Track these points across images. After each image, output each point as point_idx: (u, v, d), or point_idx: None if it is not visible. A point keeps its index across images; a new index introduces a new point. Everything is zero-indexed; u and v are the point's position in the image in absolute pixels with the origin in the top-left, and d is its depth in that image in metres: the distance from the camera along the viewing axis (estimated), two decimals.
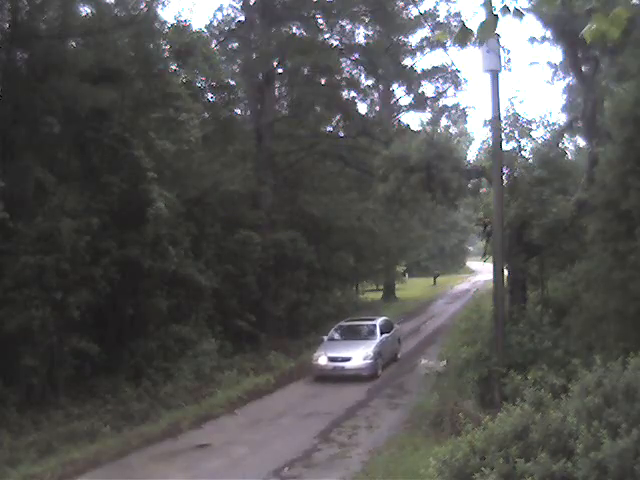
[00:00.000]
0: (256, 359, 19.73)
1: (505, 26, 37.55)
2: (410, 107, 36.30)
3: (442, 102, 36.55)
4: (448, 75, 33.98)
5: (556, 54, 42.90)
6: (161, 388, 15.27)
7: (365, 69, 27.94)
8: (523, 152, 15.00)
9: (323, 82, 26.95)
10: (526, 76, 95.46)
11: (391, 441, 11.78)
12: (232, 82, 22.34)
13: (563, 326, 12.87)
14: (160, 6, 16.79)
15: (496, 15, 3.83)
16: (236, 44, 26.03)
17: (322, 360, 17.96)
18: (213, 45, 22.67)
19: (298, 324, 24.35)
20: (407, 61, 33.68)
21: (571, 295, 14.01)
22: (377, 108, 34.13)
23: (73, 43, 16.11)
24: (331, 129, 30.04)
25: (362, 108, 30.52)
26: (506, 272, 14.02)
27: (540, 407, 6.74)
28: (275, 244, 22.84)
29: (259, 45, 24.41)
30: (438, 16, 31.62)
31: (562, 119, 18.41)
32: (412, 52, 34.04)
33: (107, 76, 15.29)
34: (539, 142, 15.20)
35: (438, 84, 35.19)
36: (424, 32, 33.52)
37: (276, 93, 27.27)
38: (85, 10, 16.19)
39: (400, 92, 36.54)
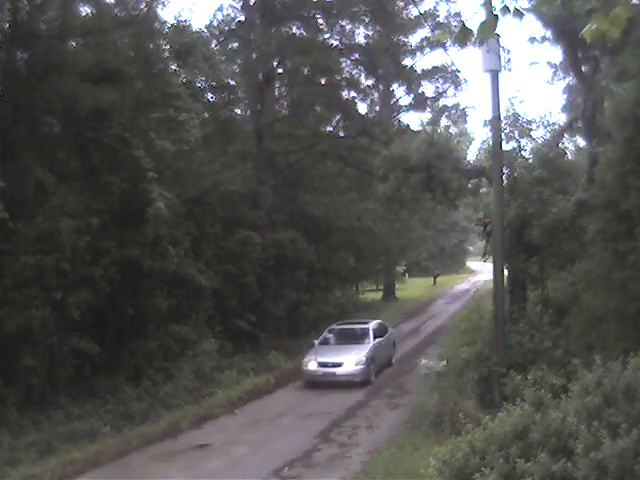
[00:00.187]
0: (256, 359, 19.73)
1: (505, 26, 37.56)
2: (410, 107, 36.30)
3: (442, 102, 36.59)
4: (448, 75, 33.98)
5: (556, 54, 42.91)
6: (161, 388, 15.27)
7: (365, 69, 27.94)
8: (523, 152, 15.01)
9: (323, 82, 26.95)
10: (526, 76, 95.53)
11: (391, 441, 11.78)
12: (232, 82, 22.35)
13: (563, 326, 12.87)
14: (160, 6, 16.83)
15: (496, 15, 3.83)
16: (236, 44, 26.04)
17: (312, 365, 17.16)
18: (213, 45, 22.67)
19: (298, 324, 24.35)
20: (407, 61, 33.74)
21: (571, 295, 14.01)
22: (377, 108, 34.14)
23: (73, 43, 16.11)
24: (331, 129, 30.04)
25: (362, 108, 30.59)
26: (506, 272, 14.02)
27: (540, 407, 6.74)
28: (275, 244, 22.84)
29: (259, 45, 24.42)
30: (438, 16, 31.66)
31: (562, 119, 18.42)
32: (412, 52, 34.05)
33: (107, 76, 15.29)
34: (539, 142, 15.21)
35: (438, 84, 35.23)
36: (424, 32, 33.58)
37: (276, 93, 27.28)
38: (85, 10, 16.23)
39: (400, 92, 36.60)
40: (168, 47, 17.33)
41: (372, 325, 19.31)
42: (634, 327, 10.31)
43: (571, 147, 21.01)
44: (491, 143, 13.64)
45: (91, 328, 14.66)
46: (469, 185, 15.43)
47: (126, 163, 15.67)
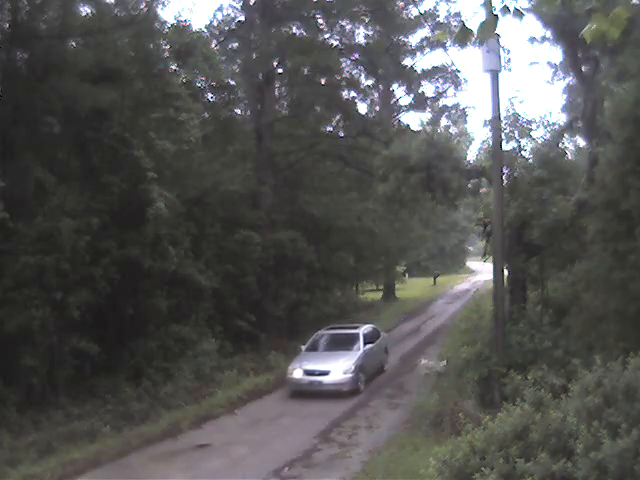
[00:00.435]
0: (256, 359, 19.73)
1: (505, 26, 37.58)
2: (410, 107, 36.30)
3: (442, 102, 36.59)
4: (448, 75, 33.98)
5: (556, 54, 42.95)
6: (161, 388, 15.27)
7: (365, 69, 27.94)
8: (523, 152, 15.02)
9: (323, 82, 26.94)
10: (526, 76, 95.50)
11: (391, 441, 11.78)
12: (232, 82, 22.35)
13: (563, 326, 12.87)
14: (160, 6, 16.83)
15: (496, 15, 3.84)
16: (236, 44, 26.03)
17: (297, 374, 16.13)
18: (213, 45, 22.67)
19: (298, 324, 24.34)
20: (407, 61, 33.73)
21: (571, 295, 14.01)
22: (377, 108, 34.13)
23: (73, 43, 16.11)
24: (331, 129, 30.03)
25: (362, 108, 30.58)
26: (506, 272, 14.02)
27: (540, 407, 6.74)
28: (275, 244, 22.84)
29: (259, 45, 24.41)
30: (438, 16, 31.65)
31: (562, 119, 18.45)
32: (412, 52, 34.05)
33: (107, 76, 15.29)
34: (539, 142, 15.22)
35: (438, 84, 35.23)
36: (424, 32, 33.58)
37: (276, 93, 27.27)
38: (85, 10, 16.22)
39: (400, 92, 36.59)
40: (168, 47, 17.33)
41: (362, 330, 18.26)
42: (634, 327, 10.31)
43: (571, 147, 21.05)
44: (491, 143, 13.64)
45: (91, 328, 14.66)
46: (469, 185, 15.44)
47: (126, 163, 15.67)
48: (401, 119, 36.13)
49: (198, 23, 49.34)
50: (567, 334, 12.51)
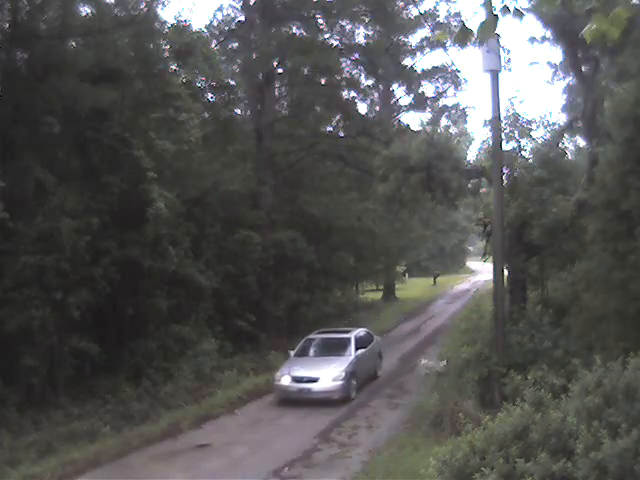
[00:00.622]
0: (256, 359, 19.73)
1: (505, 26, 37.57)
2: (410, 107, 36.28)
3: (442, 102, 36.55)
4: (448, 75, 33.97)
5: (556, 54, 42.94)
6: (161, 388, 15.27)
7: (365, 69, 27.94)
8: (523, 152, 15.02)
9: (323, 82, 26.95)
10: (526, 76, 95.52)
11: (391, 441, 11.78)
12: (232, 82, 22.36)
13: (563, 326, 12.87)
14: (160, 6, 16.83)
15: (496, 15, 3.84)
16: (236, 44, 26.03)
17: (285, 380, 15.33)
18: (213, 45, 22.68)
19: (298, 324, 24.33)
20: (407, 61, 33.71)
21: (571, 295, 14.02)
22: (377, 108, 34.13)
23: (73, 43, 16.11)
24: (331, 129, 30.04)
25: (362, 108, 30.58)
26: (506, 272, 14.02)
27: (540, 407, 6.74)
28: (275, 244, 22.85)
29: (259, 45, 24.42)
30: (438, 16, 31.62)
31: (562, 119, 18.44)
32: (412, 52, 34.03)
33: (107, 76, 15.29)
34: (539, 142, 15.22)
35: (438, 84, 35.20)
36: (424, 32, 33.55)
37: (276, 93, 27.28)
38: (85, 10, 16.22)
39: (400, 92, 36.58)
40: (168, 47, 17.34)
41: (354, 335, 17.35)
42: (634, 327, 10.31)
43: (571, 147, 21.05)
44: (491, 143, 13.64)
45: (91, 328, 14.67)
46: (469, 185, 15.43)
47: (126, 163, 15.67)
48: (401, 119, 36.18)
49: (198, 23, 49.41)
50: (567, 334, 12.52)
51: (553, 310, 13.47)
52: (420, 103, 34.93)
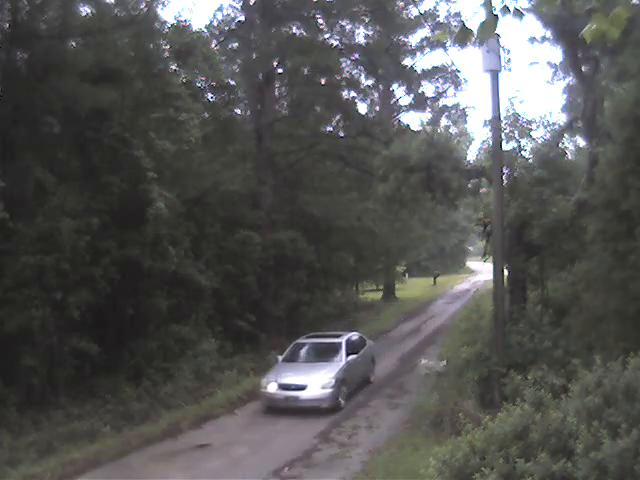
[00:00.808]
0: (256, 359, 19.71)
1: (505, 26, 37.57)
2: (410, 107, 36.29)
3: (442, 102, 36.55)
4: (448, 75, 33.97)
5: (556, 54, 42.95)
6: (161, 388, 15.27)
7: (365, 69, 27.93)
8: (523, 152, 15.02)
9: (323, 82, 26.95)
10: (526, 76, 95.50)
11: (391, 441, 11.79)
12: (232, 82, 22.35)
13: (563, 326, 12.87)
14: (160, 6, 16.83)
15: (496, 15, 3.84)
16: (236, 44, 26.04)
17: (272, 387, 14.63)
18: (213, 45, 22.67)
19: (298, 324, 24.33)
20: (407, 61, 33.71)
21: (571, 295, 14.02)
22: (377, 108, 34.13)
23: (73, 43, 16.11)
24: (331, 129, 30.03)
25: (362, 108, 30.58)
26: (506, 272, 14.02)
27: (540, 407, 6.74)
28: (275, 244, 22.85)
29: (259, 45, 24.42)
30: (438, 16, 31.63)
31: (562, 119, 18.46)
32: (412, 52, 34.03)
33: (107, 76, 15.29)
34: (539, 142, 15.22)
35: (438, 84, 35.20)
36: (424, 32, 33.56)
37: (276, 93, 27.28)
38: (85, 10, 16.22)
39: (400, 92, 36.58)
40: (168, 47, 17.33)
41: (345, 339, 16.59)
42: (634, 327, 10.31)
43: (571, 147, 21.05)
44: (491, 143, 13.64)
45: (91, 328, 14.66)
46: (469, 185, 15.43)
47: (126, 163, 15.67)
48: (401, 119, 36.17)
49: (198, 23, 49.38)
50: (567, 334, 12.52)
51: (553, 310, 13.47)
52: (420, 103, 34.92)
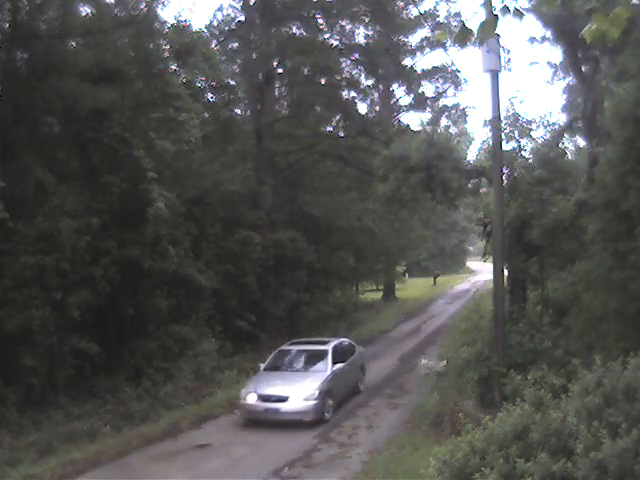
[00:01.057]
0: (256, 359, 19.65)
1: (505, 26, 37.58)
2: (410, 107, 36.28)
3: (442, 102, 36.53)
4: (448, 75, 33.96)
5: (556, 54, 42.98)
6: (161, 388, 15.28)
7: (365, 69, 27.95)
8: (523, 152, 15.02)
9: (323, 82, 26.97)
10: (526, 76, 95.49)
11: (391, 441, 11.78)
12: (232, 82, 22.34)
13: (563, 326, 12.88)
14: (160, 6, 16.85)
15: (496, 15, 3.84)
16: (236, 44, 26.06)
17: (251, 399, 13.54)
18: (213, 45, 22.69)
19: (298, 324, 24.35)
20: (407, 61, 33.73)
21: (571, 295, 14.02)
22: (377, 108, 34.13)
23: (73, 43, 16.11)
24: (331, 129, 30.05)
25: (362, 108, 30.60)
26: (506, 272, 14.02)
27: (540, 407, 6.74)
28: (275, 244, 22.86)
29: (259, 45, 24.43)
30: (438, 16, 31.62)
31: (562, 119, 18.47)
32: (412, 52, 34.03)
33: (107, 76, 15.30)
34: (539, 142, 15.22)
35: (438, 84, 35.20)
36: (424, 32, 33.56)
37: (276, 93, 27.29)
38: (85, 10, 16.23)
39: (400, 92, 36.58)
40: (168, 47, 17.34)
41: (332, 346, 15.44)
42: (634, 327, 10.31)
43: (571, 147, 21.05)
44: (491, 143, 13.64)
45: (91, 328, 14.67)
46: (469, 185, 15.44)
47: (126, 163, 15.67)
48: (401, 119, 36.18)
49: (198, 23, 49.37)
50: (567, 334, 12.52)
51: (553, 310, 13.47)
52: (420, 103, 34.92)
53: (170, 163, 17.30)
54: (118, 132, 15.65)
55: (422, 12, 31.39)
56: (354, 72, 28.36)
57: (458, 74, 33.60)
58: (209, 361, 17.28)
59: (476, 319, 14.36)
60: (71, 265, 13.72)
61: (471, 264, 72.63)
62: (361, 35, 27.84)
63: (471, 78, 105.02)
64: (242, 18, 25.93)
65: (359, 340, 23.23)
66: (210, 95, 21.47)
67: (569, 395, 6.96)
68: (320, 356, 15.06)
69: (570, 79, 20.18)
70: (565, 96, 23.40)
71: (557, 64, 21.53)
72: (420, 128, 24.98)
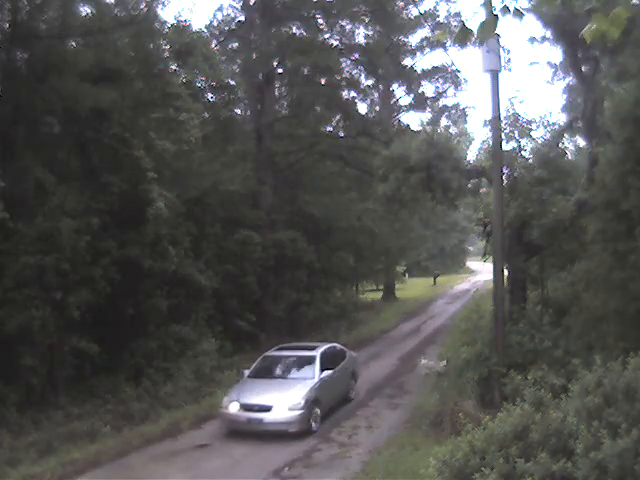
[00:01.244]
0: (256, 359, 19.66)
1: (505, 26, 37.60)
2: (410, 107, 36.30)
3: (442, 102, 36.57)
4: (448, 75, 33.99)
5: (556, 54, 43.00)
6: (161, 388, 15.27)
7: (365, 69, 27.95)
8: (523, 152, 15.03)
9: (323, 82, 26.97)
10: (526, 76, 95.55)
11: (391, 441, 11.79)
12: (232, 82, 22.35)
13: (563, 326, 12.88)
14: (160, 6, 16.81)
15: (496, 15, 3.84)
16: (236, 44, 26.06)
17: (233, 408, 12.76)
18: (213, 45, 22.69)
19: (298, 324, 24.35)
20: (407, 61, 33.79)
21: (571, 295, 14.03)
22: (377, 108, 34.11)
23: (73, 43, 16.10)
24: (331, 129, 30.04)
25: (362, 108, 30.60)
26: (506, 272, 14.02)
27: (540, 407, 6.75)
28: (275, 244, 22.86)
29: (259, 45, 24.44)
30: (438, 16, 31.68)
31: (562, 119, 18.49)
32: (412, 52, 34.06)
33: (107, 76, 15.29)
34: (539, 142, 15.23)
35: (438, 84, 35.23)
36: (424, 32, 33.61)
37: (276, 93, 27.28)
38: (85, 10, 16.21)
39: (400, 92, 36.60)
40: (168, 47, 17.33)
41: (320, 352, 14.51)
42: (634, 327, 10.32)
43: (571, 147, 21.06)
44: (491, 143, 13.63)
45: (91, 328, 14.65)
46: (469, 185, 15.44)
47: (126, 163, 15.66)
48: (401, 119, 36.18)
49: (198, 23, 49.34)
50: (567, 334, 12.52)
51: (553, 310, 13.47)
52: (420, 103, 34.94)
53: (170, 163, 17.29)
54: (118, 132, 15.65)
55: (422, 12, 31.48)
56: (354, 72, 28.38)
57: (458, 74, 33.68)
58: (209, 361, 17.28)
59: (476, 319, 14.35)
60: (71, 265, 13.71)
61: (471, 264, 72.63)
62: (361, 35, 27.92)
63: (471, 78, 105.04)
64: (242, 18, 25.94)
65: (359, 340, 23.26)
66: (210, 95, 21.47)
67: (569, 395, 6.96)
68: (307, 362, 14.25)
69: (570, 79, 20.20)
70: (565, 96, 23.43)
71: (557, 64, 21.57)
72: (420, 128, 24.93)
